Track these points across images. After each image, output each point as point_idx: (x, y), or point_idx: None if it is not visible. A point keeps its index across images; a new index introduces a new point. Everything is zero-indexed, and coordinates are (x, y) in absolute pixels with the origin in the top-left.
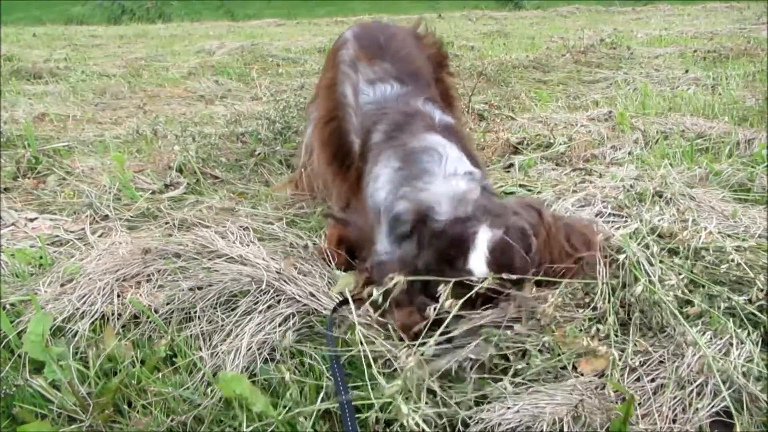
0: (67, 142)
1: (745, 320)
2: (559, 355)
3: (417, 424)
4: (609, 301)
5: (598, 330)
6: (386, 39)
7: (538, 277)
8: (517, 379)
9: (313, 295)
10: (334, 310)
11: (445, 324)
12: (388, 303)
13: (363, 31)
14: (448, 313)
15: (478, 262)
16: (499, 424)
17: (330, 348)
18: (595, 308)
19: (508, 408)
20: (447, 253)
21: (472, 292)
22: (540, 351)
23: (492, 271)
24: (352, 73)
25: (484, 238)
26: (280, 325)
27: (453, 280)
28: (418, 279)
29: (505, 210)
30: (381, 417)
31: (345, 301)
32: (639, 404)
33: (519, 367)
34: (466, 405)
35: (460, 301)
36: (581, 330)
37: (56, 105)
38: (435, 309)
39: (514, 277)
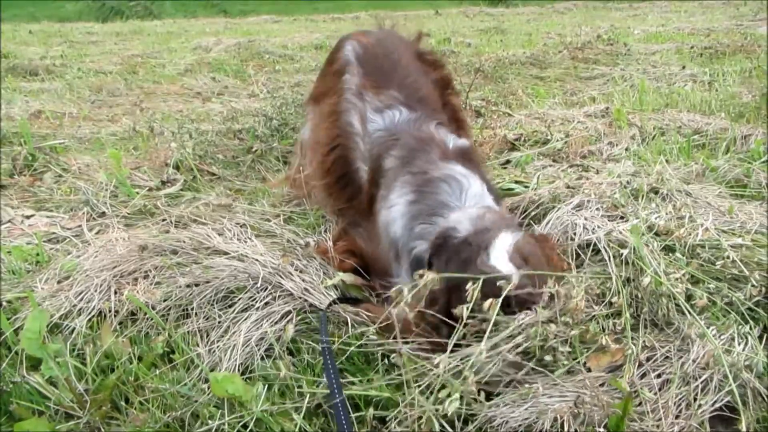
0: (63, 139)
1: (746, 315)
2: (577, 355)
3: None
4: (623, 296)
5: (615, 325)
6: (391, 65)
7: (559, 273)
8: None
9: (309, 291)
10: (329, 306)
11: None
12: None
13: (366, 54)
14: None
15: (499, 258)
16: (507, 422)
17: (323, 344)
18: (609, 304)
19: (516, 404)
20: (468, 258)
21: (505, 293)
22: (564, 345)
23: (517, 268)
24: (358, 102)
25: (504, 239)
26: (276, 322)
27: (482, 277)
28: (451, 275)
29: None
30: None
31: (339, 300)
32: (647, 401)
33: (547, 358)
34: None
35: (496, 302)
36: (600, 327)
37: (52, 102)
38: (454, 334)
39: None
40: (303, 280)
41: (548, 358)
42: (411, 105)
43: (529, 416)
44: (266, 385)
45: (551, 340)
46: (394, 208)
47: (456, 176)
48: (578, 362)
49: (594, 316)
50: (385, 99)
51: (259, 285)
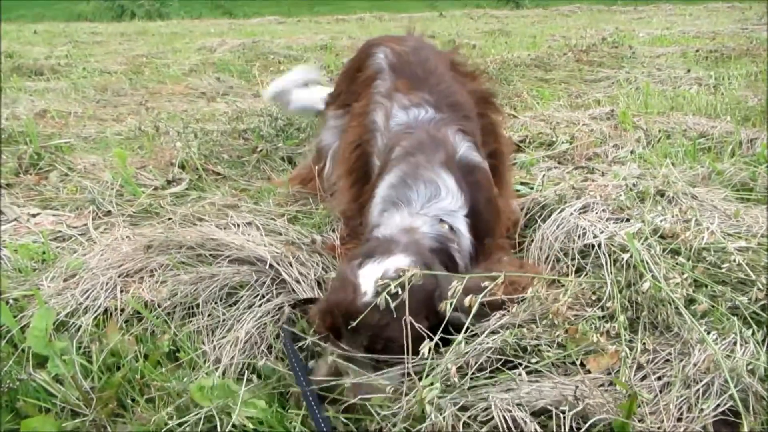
0: (68, 138)
1: (749, 319)
2: (568, 351)
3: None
4: (617, 300)
5: (607, 329)
6: (425, 72)
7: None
8: (525, 372)
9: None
10: (282, 322)
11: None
12: None
13: (400, 61)
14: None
15: (368, 274)
16: (498, 401)
17: (291, 356)
18: (603, 307)
19: (510, 395)
20: (360, 258)
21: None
22: (551, 345)
23: (377, 293)
24: (386, 102)
25: (394, 261)
26: (278, 320)
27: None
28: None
29: (433, 259)
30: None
31: (306, 301)
32: (645, 402)
33: (533, 361)
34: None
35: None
36: (592, 328)
37: (57, 102)
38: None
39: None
40: (300, 273)
41: (534, 361)
42: (440, 107)
43: (530, 398)
44: (266, 385)
45: (528, 341)
46: (377, 195)
47: (438, 183)
48: (572, 363)
49: (586, 319)
50: (414, 98)
51: (263, 280)
